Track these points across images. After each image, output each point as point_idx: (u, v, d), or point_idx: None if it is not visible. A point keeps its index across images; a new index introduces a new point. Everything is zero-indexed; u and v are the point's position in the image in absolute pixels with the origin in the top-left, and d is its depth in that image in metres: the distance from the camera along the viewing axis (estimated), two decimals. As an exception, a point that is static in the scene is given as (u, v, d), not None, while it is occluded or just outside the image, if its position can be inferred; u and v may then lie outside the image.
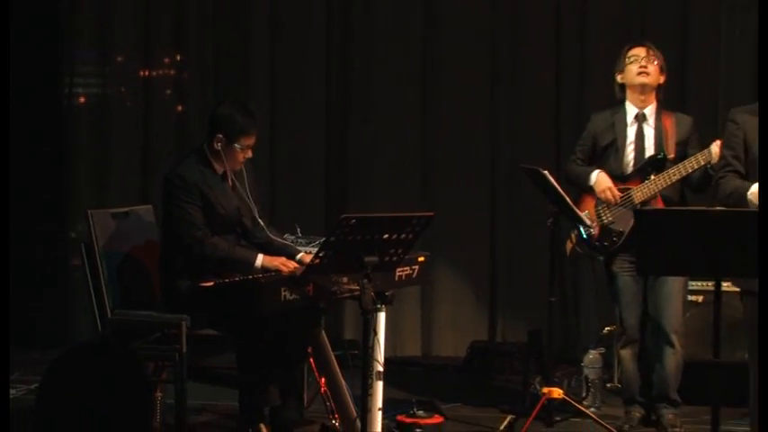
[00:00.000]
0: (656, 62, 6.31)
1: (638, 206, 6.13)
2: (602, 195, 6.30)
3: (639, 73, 6.29)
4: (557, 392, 6.28)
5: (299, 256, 5.74)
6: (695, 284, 6.77)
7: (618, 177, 6.32)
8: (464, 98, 8.25)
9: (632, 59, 6.31)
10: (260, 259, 5.62)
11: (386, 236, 5.10)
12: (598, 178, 6.32)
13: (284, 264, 5.62)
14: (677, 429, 6.30)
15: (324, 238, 5.30)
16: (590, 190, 6.36)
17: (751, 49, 7.56)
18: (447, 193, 8.24)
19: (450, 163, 8.28)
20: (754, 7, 7.62)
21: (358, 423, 5.59)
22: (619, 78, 6.38)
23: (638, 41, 6.44)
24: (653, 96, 6.35)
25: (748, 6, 7.67)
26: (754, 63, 7.37)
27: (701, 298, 6.79)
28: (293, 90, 8.34)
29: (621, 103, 6.39)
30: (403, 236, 5.16)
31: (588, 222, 6.31)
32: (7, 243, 5.66)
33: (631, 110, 6.36)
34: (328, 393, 5.96)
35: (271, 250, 5.76)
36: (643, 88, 6.31)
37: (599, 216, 6.34)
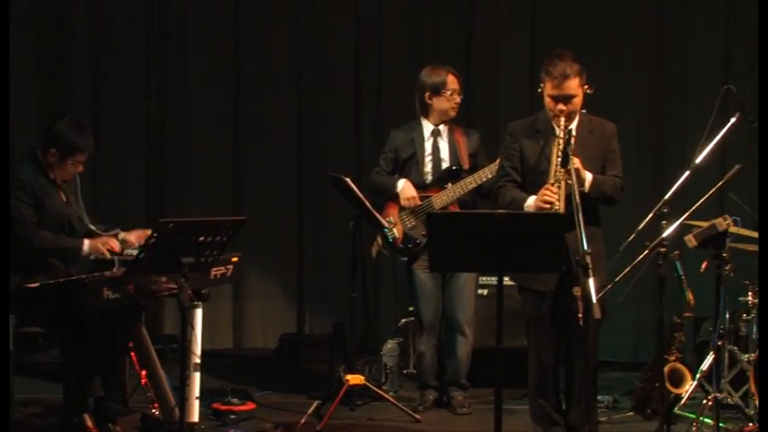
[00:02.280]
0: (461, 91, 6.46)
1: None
2: (405, 203, 6.40)
3: (453, 108, 6.41)
4: (358, 379, 6.35)
5: (121, 235, 5.68)
6: (484, 279, 6.91)
7: (419, 186, 6.43)
8: (274, 110, 8.28)
9: (450, 92, 6.38)
10: (86, 244, 5.55)
11: (201, 238, 5.09)
12: (404, 186, 6.42)
13: (105, 243, 5.55)
14: (465, 409, 6.45)
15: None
16: (395, 197, 6.44)
17: (527, 67, 7.79)
18: (258, 196, 8.23)
19: (260, 169, 8.28)
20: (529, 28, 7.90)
21: (177, 411, 5.55)
22: (426, 98, 6.44)
23: (449, 69, 6.45)
24: None
25: (525, 40, 7.93)
26: (530, 79, 7.58)
27: (486, 291, 6.94)
28: (115, 104, 8.21)
29: (418, 118, 6.50)
30: (217, 238, 5.15)
31: (387, 225, 6.37)
32: (7, 246, 5.37)
33: (428, 126, 6.49)
34: (149, 384, 5.89)
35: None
36: (449, 117, 6.46)
37: (402, 222, 6.43)
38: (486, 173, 6.25)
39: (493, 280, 6.66)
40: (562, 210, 4.92)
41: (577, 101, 5.16)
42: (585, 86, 5.16)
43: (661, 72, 7.88)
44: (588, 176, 5.12)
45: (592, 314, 4.49)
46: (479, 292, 6.85)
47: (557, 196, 4.96)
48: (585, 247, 4.60)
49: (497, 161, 6.14)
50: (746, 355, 6.06)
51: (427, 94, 6.44)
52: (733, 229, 5.73)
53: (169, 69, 8.23)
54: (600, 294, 4.66)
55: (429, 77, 6.45)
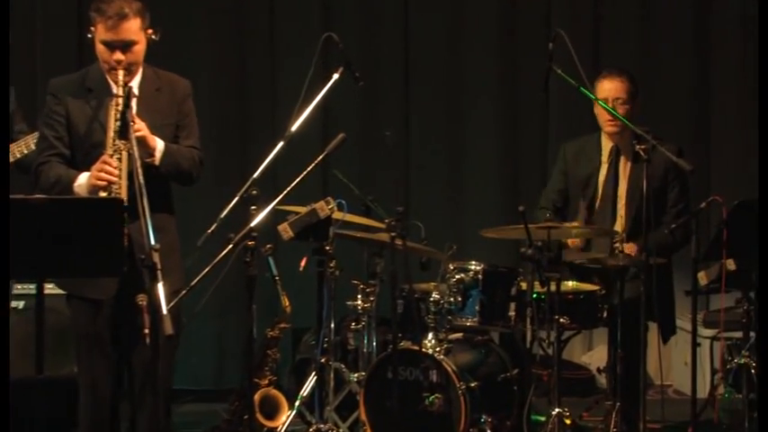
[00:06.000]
0: None
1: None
2: None
3: None
4: None
5: None
6: (19, 288, 6.72)
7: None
8: None
9: None
10: None
11: None
12: None
13: None
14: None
15: None
16: None
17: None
18: None
19: None
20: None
21: None
22: None
23: None
24: None
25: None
26: (78, 22, 7.48)
27: (21, 303, 6.73)
28: None
29: None
30: None
31: None
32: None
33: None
34: None
35: None
36: None
37: None
38: (23, 148, 6.07)
39: (31, 288, 6.52)
40: (124, 189, 4.81)
41: (139, 49, 5.06)
42: (149, 31, 5.07)
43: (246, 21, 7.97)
44: (159, 145, 5.03)
45: (161, 329, 4.36)
46: (13, 304, 6.65)
47: (117, 171, 4.84)
48: (153, 241, 4.45)
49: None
50: (356, 375, 6.20)
51: None
52: (338, 215, 5.78)
53: None
54: (172, 303, 4.61)
55: None
